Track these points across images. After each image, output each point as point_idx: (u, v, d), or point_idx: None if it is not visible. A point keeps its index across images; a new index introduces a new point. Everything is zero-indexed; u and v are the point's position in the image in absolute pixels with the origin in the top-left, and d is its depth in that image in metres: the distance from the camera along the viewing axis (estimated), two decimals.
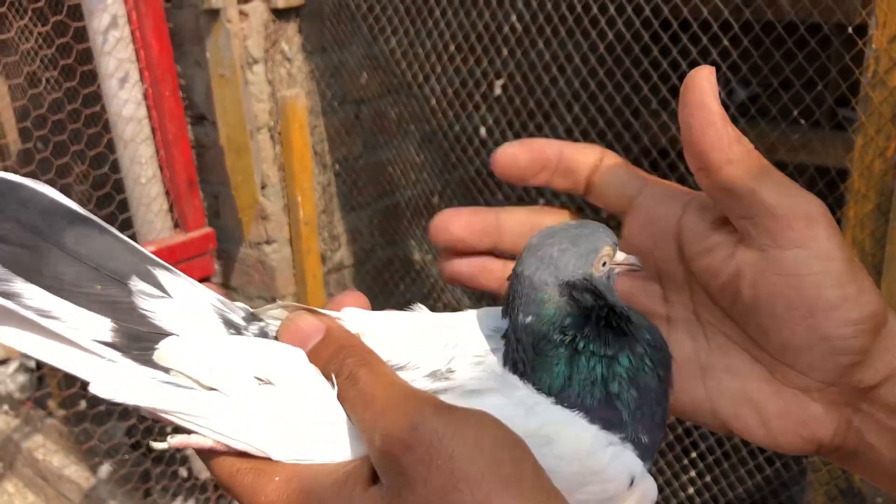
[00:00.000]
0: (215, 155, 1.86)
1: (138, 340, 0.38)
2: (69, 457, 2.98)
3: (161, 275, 0.39)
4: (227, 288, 2.01)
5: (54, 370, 2.77)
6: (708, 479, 1.76)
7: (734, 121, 0.43)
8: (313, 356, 0.40)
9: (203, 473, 2.08)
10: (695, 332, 0.46)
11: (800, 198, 0.40)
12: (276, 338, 0.42)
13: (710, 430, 0.46)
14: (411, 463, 0.34)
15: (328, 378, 0.39)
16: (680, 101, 0.42)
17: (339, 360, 0.40)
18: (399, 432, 0.35)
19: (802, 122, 1.64)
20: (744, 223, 0.41)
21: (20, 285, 0.36)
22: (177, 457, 2.14)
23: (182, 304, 0.40)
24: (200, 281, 1.80)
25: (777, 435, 0.43)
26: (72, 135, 1.60)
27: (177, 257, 1.81)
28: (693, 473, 1.77)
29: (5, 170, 0.43)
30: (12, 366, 2.90)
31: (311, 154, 1.85)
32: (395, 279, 2.13)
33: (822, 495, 1.43)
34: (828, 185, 1.58)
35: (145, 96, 1.76)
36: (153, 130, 1.80)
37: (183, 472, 2.10)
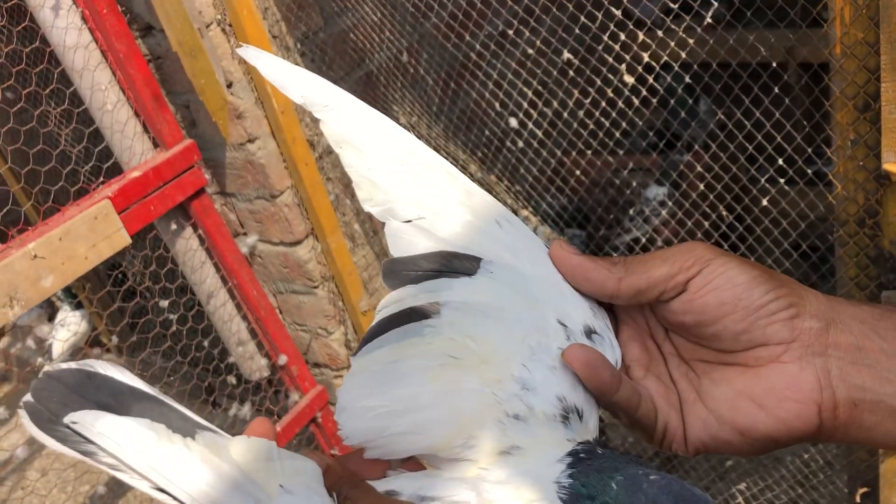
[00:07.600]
0: (173, 63, 1.78)
1: None
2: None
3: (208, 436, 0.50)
4: (225, 195, 1.98)
5: (98, 313, 2.80)
6: None
7: None
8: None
9: (255, 374, 2.13)
10: (685, 371, 0.53)
11: (679, 253, 0.50)
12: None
13: (735, 450, 0.51)
14: None
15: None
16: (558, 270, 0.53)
17: (338, 486, 0.50)
18: None
19: None
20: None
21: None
22: (221, 367, 2.18)
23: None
24: (197, 194, 1.73)
25: (775, 409, 0.47)
26: (19, 77, 1.54)
27: (165, 177, 1.76)
28: None
29: None
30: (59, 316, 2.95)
31: (270, 38, 1.75)
32: None
33: (854, 267, 1.39)
34: None
35: (84, 19, 1.67)
36: (104, 53, 1.72)
37: (232, 380, 2.15)
